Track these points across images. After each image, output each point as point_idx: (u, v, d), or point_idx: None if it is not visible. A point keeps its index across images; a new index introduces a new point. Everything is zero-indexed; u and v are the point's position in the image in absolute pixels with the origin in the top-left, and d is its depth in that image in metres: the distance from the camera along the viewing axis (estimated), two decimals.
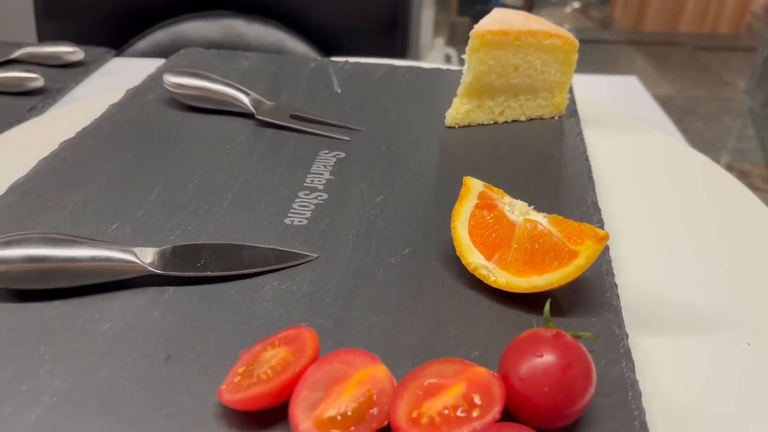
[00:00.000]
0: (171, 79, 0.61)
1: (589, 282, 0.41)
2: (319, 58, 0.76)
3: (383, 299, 0.39)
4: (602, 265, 0.42)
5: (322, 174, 0.52)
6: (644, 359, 0.37)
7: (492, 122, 0.62)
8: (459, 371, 0.30)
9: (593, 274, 0.41)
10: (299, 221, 0.46)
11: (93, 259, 0.38)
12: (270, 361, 0.31)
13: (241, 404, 0.30)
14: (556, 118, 0.63)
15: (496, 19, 0.58)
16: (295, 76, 0.71)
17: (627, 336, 0.38)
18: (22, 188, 0.49)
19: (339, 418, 0.29)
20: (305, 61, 0.75)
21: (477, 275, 0.39)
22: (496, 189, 0.41)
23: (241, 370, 0.32)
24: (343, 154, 0.55)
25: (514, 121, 0.62)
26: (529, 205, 0.41)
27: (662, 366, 0.37)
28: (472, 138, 0.59)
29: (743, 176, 0.54)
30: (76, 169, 0.52)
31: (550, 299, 0.33)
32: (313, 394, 0.29)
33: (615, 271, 0.44)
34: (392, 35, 0.97)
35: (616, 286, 0.42)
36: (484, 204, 0.41)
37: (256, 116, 0.59)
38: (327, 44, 0.82)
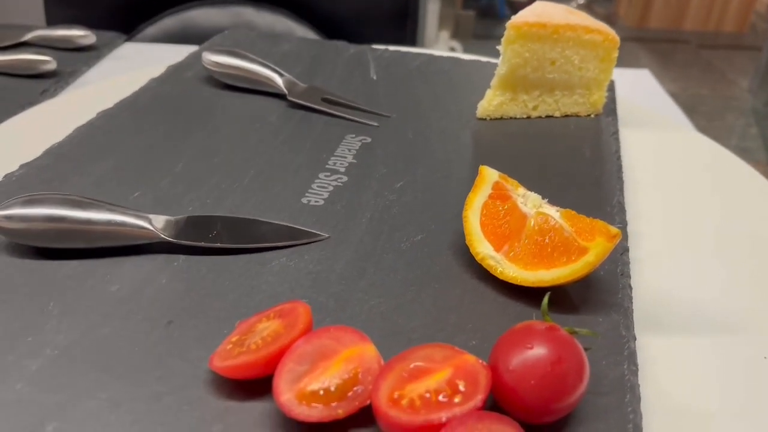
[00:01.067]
0: (209, 57, 0.63)
1: (602, 281, 0.40)
2: (360, 45, 0.76)
3: (387, 283, 0.39)
4: (618, 266, 0.41)
5: (345, 157, 0.52)
6: (653, 362, 0.36)
7: (525, 116, 0.60)
8: (448, 357, 0.30)
9: (607, 274, 0.40)
10: (315, 201, 0.46)
11: (108, 222, 0.39)
12: (262, 332, 0.32)
13: (228, 371, 0.31)
14: (592, 116, 0.61)
15: (535, 11, 0.57)
16: (334, 60, 0.71)
17: (634, 338, 0.36)
18: (56, 152, 0.51)
19: (321, 392, 0.29)
20: (345, 46, 0.75)
21: (485, 266, 0.39)
22: (511, 180, 0.41)
23: (234, 339, 0.32)
24: (369, 139, 0.55)
25: (548, 116, 0.61)
26: (552, 202, 0.40)
27: (671, 370, 0.36)
28: (502, 131, 0.58)
29: None
30: (109, 137, 0.53)
31: (549, 292, 0.32)
32: (298, 367, 0.29)
33: (633, 272, 0.43)
34: (402, 25, 0.96)
35: (630, 287, 0.40)
36: (498, 194, 0.40)
37: (288, 97, 0.60)
38: (336, 33, 0.81)
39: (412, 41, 1.01)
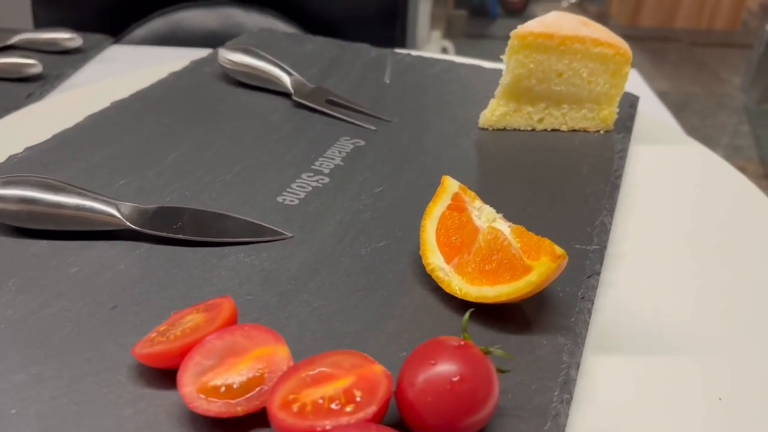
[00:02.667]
0: (224, 54, 0.64)
1: (560, 302, 0.38)
2: (383, 49, 0.76)
3: (336, 286, 0.39)
4: (581, 288, 0.40)
5: (333, 159, 0.53)
6: (600, 388, 0.35)
7: (529, 129, 0.59)
8: (356, 365, 0.30)
9: (567, 296, 0.39)
10: (290, 201, 0.47)
11: (77, 207, 0.41)
12: (185, 324, 0.32)
13: (145, 359, 0.31)
14: (601, 132, 0.59)
15: (545, 21, 0.56)
16: (352, 62, 0.72)
17: (577, 365, 0.35)
18: (61, 137, 0.53)
19: (223, 388, 0.29)
20: (367, 50, 0.75)
21: (433, 277, 0.38)
22: (469, 192, 0.40)
23: (161, 329, 0.33)
24: (362, 143, 0.55)
25: (554, 130, 0.59)
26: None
27: (616, 398, 0.34)
28: (501, 142, 0.57)
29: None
30: (115, 126, 0.56)
31: (472, 309, 0.32)
32: (205, 361, 0.30)
33: (604, 295, 0.41)
34: (391, 26, 0.94)
35: (589, 312, 0.39)
36: (456, 205, 0.39)
37: (293, 97, 0.61)
38: (324, 34, 0.79)
39: (402, 41, 1.00)
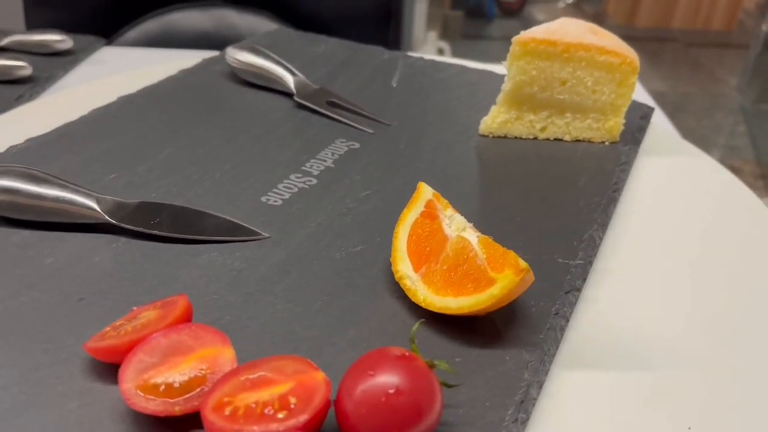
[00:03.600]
0: (232, 53, 0.65)
1: (531, 317, 0.37)
2: (396, 51, 0.75)
3: (304, 289, 0.38)
4: (555, 304, 0.38)
5: (324, 161, 0.52)
6: (566, 410, 0.33)
7: (531, 137, 0.58)
8: (298, 371, 0.29)
9: (540, 311, 0.38)
10: (274, 201, 0.47)
11: (57, 199, 0.41)
12: (139, 320, 0.32)
13: (95, 352, 0.32)
14: (606, 143, 0.57)
15: (550, 28, 0.54)
16: (362, 64, 0.71)
17: (539, 384, 0.34)
18: (63, 130, 0.54)
19: (163, 387, 0.29)
20: (380, 52, 0.75)
21: (401, 285, 0.37)
22: (442, 199, 0.39)
23: (117, 324, 0.33)
24: (357, 145, 0.55)
25: (556, 139, 0.58)
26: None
27: (580, 420, 0.33)
28: (500, 150, 0.56)
29: (734, 173, 0.50)
30: (117, 121, 0.57)
31: (422, 320, 0.31)
32: (148, 358, 0.30)
33: (583, 311, 0.40)
34: (385, 26, 0.93)
35: (562, 329, 0.37)
36: (428, 213, 0.38)
37: (294, 97, 0.61)
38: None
39: (397, 42, 0.99)
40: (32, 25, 1.02)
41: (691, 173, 0.56)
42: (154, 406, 0.29)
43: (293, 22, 1.03)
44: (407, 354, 0.29)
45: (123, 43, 1.00)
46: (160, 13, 1.00)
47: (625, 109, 0.56)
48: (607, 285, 0.42)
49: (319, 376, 0.29)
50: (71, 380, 0.32)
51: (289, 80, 0.62)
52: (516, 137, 0.58)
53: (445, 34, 2.53)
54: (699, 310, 0.41)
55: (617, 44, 0.54)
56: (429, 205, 0.39)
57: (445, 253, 0.36)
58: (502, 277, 0.33)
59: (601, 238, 0.46)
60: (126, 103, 0.60)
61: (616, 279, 0.43)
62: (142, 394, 0.29)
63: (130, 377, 0.29)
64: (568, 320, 0.38)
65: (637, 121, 0.61)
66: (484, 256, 0.35)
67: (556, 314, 0.38)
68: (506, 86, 0.55)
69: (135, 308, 0.35)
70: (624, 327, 0.39)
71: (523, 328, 0.36)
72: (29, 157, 0.50)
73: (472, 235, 0.36)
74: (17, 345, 0.34)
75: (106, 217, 0.42)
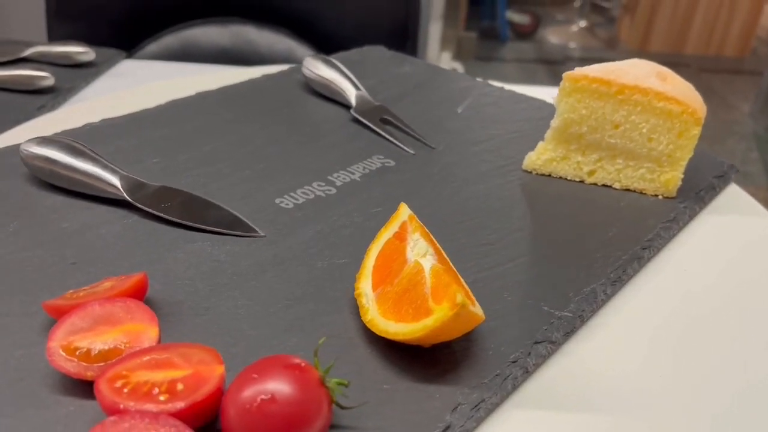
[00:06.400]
0: (306, 64, 0.67)
1: (486, 359, 0.35)
2: (478, 79, 0.74)
3: (271, 291, 0.39)
4: (517, 352, 0.36)
5: (353, 174, 0.53)
6: None
7: (578, 180, 0.54)
8: (201, 361, 0.30)
9: (498, 355, 0.35)
10: (286, 204, 0.48)
11: (86, 173, 0.46)
12: (95, 288, 0.35)
13: (48, 309, 0.34)
14: (660, 197, 0.52)
15: (608, 67, 0.51)
16: (437, 88, 0.71)
17: (462, 430, 0.32)
18: (136, 115, 0.60)
19: (83, 350, 0.31)
20: (462, 77, 0.74)
21: (358, 302, 0.37)
22: (416, 222, 0.38)
23: (84, 288, 0.36)
24: (392, 164, 0.55)
25: (605, 186, 0.54)
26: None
27: None
28: (536, 187, 0.53)
29: None
30: (185, 112, 0.61)
31: (325, 337, 0.30)
32: (80, 323, 0.32)
33: (555, 363, 0.37)
34: (402, 47, 0.88)
35: (515, 379, 0.35)
36: (400, 234, 0.38)
37: (351, 111, 0.62)
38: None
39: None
40: (54, 37, 1.04)
41: (750, 238, 0.50)
42: (70, 367, 0.31)
43: (311, 40, 1.03)
44: (303, 365, 0.29)
45: (143, 56, 1.01)
46: (179, 28, 1.02)
47: (684, 163, 0.51)
48: (593, 341, 0.39)
49: (219, 369, 0.29)
50: (26, 332, 0.35)
51: (351, 94, 0.63)
52: (561, 177, 0.54)
53: (458, 56, 2.55)
54: (679, 371, 0.36)
55: (683, 92, 0.50)
56: (402, 226, 0.38)
57: (401, 276, 0.35)
58: (438, 309, 0.32)
59: (607, 294, 0.42)
60: (201, 98, 0.65)
61: (606, 336, 0.39)
62: (63, 354, 0.31)
63: (58, 336, 0.32)
64: (527, 371, 0.36)
65: (710, 179, 0.55)
66: (431, 285, 0.33)
67: (514, 362, 0.35)
68: (554, 123, 0.53)
69: (106, 278, 0.37)
70: (597, 384, 0.36)
71: (470, 370, 0.34)
72: (96, 135, 0.56)
73: (428, 262, 0.35)
74: (0, 292, 0.37)
75: (124, 194, 0.45)
